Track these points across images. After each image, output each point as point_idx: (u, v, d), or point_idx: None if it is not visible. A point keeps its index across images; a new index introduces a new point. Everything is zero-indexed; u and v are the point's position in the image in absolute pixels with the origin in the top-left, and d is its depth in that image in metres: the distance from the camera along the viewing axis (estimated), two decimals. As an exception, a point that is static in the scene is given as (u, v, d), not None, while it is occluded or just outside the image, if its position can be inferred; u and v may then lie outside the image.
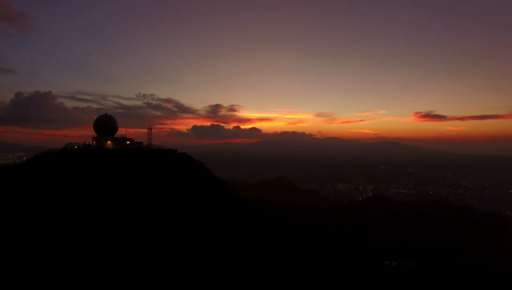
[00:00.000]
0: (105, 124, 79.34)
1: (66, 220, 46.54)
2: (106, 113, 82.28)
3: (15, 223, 43.82)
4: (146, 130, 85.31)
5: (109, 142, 77.66)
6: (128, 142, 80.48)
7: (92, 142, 78.29)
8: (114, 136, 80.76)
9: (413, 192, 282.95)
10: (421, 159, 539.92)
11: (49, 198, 50.95)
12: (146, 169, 66.05)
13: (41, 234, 42.05)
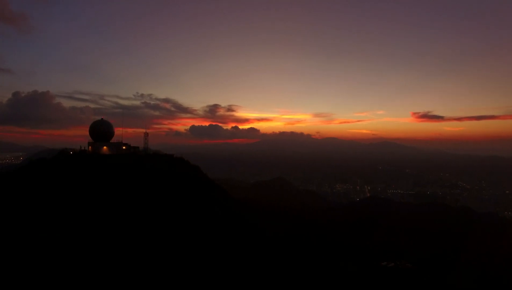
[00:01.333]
0: (100, 130, 78.85)
1: (64, 226, 46.24)
2: (102, 118, 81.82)
3: (12, 230, 43.53)
4: (144, 130, 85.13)
5: (105, 147, 77.18)
6: (124, 147, 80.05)
7: (88, 147, 77.79)
8: (110, 141, 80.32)
9: (411, 192, 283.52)
10: (419, 159, 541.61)
11: (44, 206, 50.54)
12: (142, 175, 65.56)
13: (37, 240, 41.76)
